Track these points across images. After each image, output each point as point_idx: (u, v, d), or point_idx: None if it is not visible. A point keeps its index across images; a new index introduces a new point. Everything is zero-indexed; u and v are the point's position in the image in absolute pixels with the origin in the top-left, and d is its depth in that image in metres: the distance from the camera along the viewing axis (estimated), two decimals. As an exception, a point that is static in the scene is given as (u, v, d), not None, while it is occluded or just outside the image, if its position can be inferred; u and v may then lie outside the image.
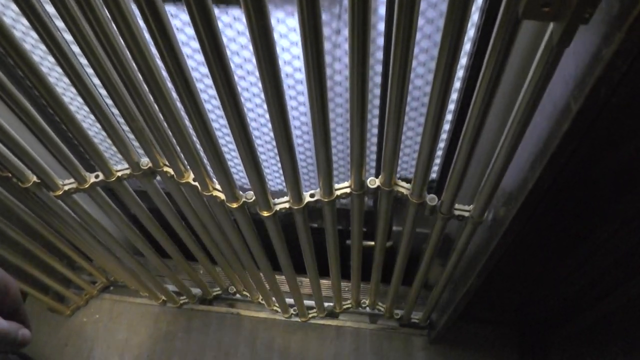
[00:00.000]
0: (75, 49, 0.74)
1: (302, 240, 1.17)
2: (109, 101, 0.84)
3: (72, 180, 1.09)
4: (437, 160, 1.34)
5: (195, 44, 1.01)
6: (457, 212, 1.00)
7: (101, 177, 1.08)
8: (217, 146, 0.85)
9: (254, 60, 0.66)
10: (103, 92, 0.82)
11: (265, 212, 1.01)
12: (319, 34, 0.60)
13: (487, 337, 1.74)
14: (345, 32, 0.92)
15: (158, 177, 1.10)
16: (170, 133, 0.88)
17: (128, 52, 0.71)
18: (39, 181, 1.07)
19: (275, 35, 0.66)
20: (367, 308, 1.75)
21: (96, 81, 0.80)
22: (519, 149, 0.78)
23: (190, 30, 1.01)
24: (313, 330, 1.80)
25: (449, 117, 1.19)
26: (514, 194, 0.86)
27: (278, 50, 0.74)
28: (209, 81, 0.95)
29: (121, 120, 0.90)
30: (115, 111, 0.87)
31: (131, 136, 0.95)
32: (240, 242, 1.25)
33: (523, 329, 1.70)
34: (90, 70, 0.77)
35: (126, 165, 1.06)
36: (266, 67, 0.63)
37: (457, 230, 1.11)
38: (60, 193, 1.10)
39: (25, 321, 0.57)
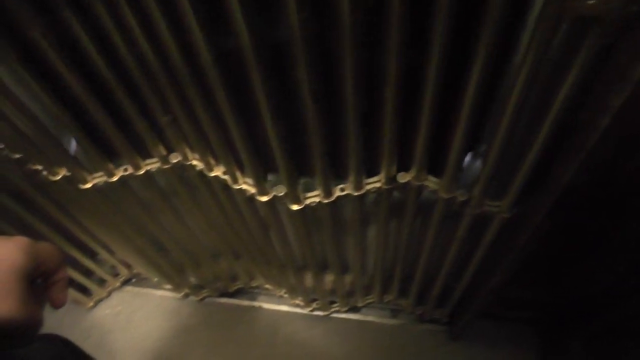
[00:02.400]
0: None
1: (329, 235, 1.16)
2: (140, 94, 0.85)
3: (100, 173, 1.09)
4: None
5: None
6: (487, 208, 0.99)
7: (130, 170, 1.08)
8: (249, 140, 0.85)
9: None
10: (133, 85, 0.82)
11: (294, 206, 1.01)
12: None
13: (507, 335, 1.72)
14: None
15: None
16: (202, 126, 0.88)
17: (166, 44, 0.71)
18: (69, 174, 1.08)
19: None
20: (389, 303, 1.75)
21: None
22: (553, 144, 0.77)
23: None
24: (335, 324, 1.80)
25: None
26: (545, 190, 0.85)
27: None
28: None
29: (151, 112, 0.90)
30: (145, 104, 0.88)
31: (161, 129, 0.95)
32: (264, 236, 1.25)
33: (544, 328, 1.69)
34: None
35: (155, 159, 1.06)
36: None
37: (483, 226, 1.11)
38: (89, 186, 1.10)
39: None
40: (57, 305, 0.59)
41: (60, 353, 0.52)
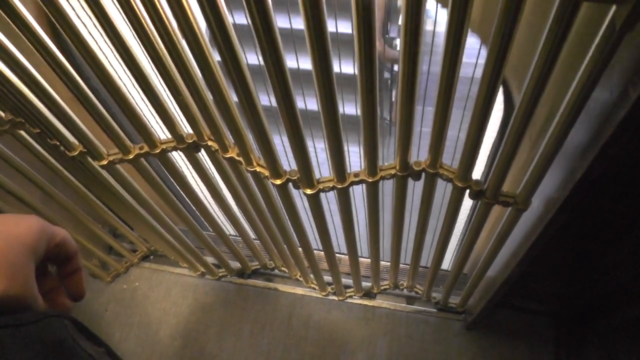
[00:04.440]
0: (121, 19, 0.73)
1: (343, 220, 1.16)
2: (156, 73, 0.84)
3: (116, 150, 1.09)
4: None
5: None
6: (502, 198, 0.97)
7: (145, 148, 1.08)
8: (263, 123, 0.84)
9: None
10: (150, 64, 0.82)
11: (308, 190, 1.00)
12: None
13: (523, 327, 1.71)
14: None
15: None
16: (216, 108, 0.87)
17: (177, 26, 0.70)
18: (85, 150, 1.08)
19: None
20: (405, 290, 1.74)
21: (141, 53, 0.80)
22: (569, 136, 0.75)
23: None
24: (349, 309, 1.80)
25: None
26: (562, 183, 0.83)
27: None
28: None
29: (168, 92, 0.89)
30: (162, 83, 0.87)
31: (177, 109, 0.95)
32: (281, 219, 1.25)
33: (560, 320, 1.67)
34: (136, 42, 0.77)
35: (171, 138, 1.06)
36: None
37: (499, 216, 1.09)
38: (105, 163, 1.10)
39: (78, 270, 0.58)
40: (76, 298, 0.58)
41: (68, 333, 0.51)
